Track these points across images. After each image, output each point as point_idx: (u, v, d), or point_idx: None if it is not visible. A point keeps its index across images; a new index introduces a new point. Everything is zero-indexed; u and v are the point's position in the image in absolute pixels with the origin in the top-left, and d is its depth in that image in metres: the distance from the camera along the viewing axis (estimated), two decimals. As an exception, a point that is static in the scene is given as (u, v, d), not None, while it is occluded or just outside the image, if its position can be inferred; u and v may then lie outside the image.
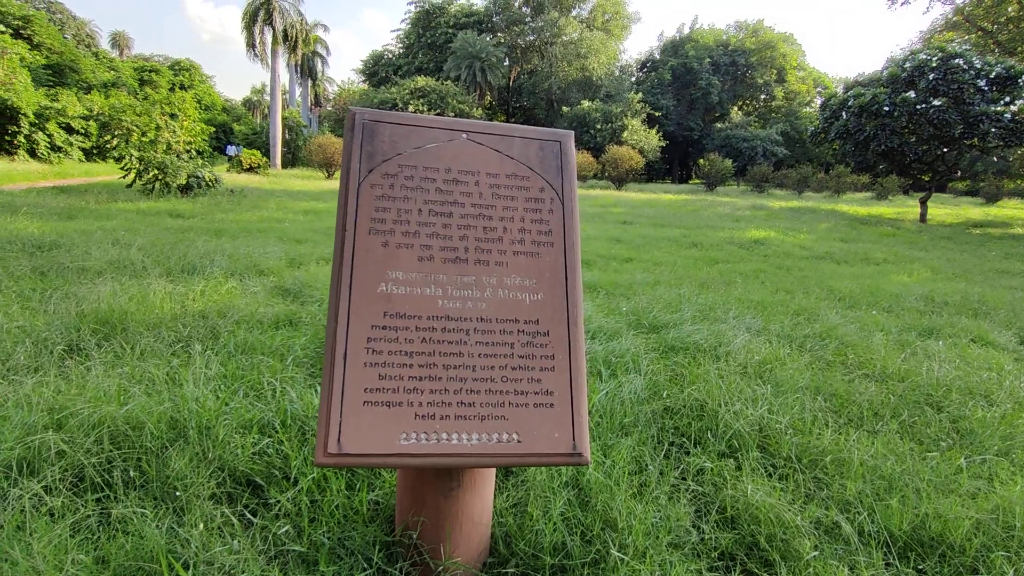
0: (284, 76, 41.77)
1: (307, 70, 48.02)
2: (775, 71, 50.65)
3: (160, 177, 14.26)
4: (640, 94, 39.61)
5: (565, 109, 39.00)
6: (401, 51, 50.45)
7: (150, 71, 45.46)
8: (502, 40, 45.02)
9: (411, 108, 35.92)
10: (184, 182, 14.50)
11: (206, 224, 9.43)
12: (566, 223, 1.76)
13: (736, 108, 50.61)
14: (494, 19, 45.74)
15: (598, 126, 36.11)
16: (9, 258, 5.63)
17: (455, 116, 37.04)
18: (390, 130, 1.72)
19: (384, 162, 1.69)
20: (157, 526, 1.77)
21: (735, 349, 3.60)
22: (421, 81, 37.76)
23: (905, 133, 18.49)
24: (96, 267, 5.22)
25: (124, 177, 14.74)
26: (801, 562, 1.85)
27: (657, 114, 41.45)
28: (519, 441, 1.56)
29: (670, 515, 2.03)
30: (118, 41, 66.53)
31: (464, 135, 1.77)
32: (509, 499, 2.05)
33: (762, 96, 53.13)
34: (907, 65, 18.12)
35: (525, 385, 1.60)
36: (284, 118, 34.12)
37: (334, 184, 22.61)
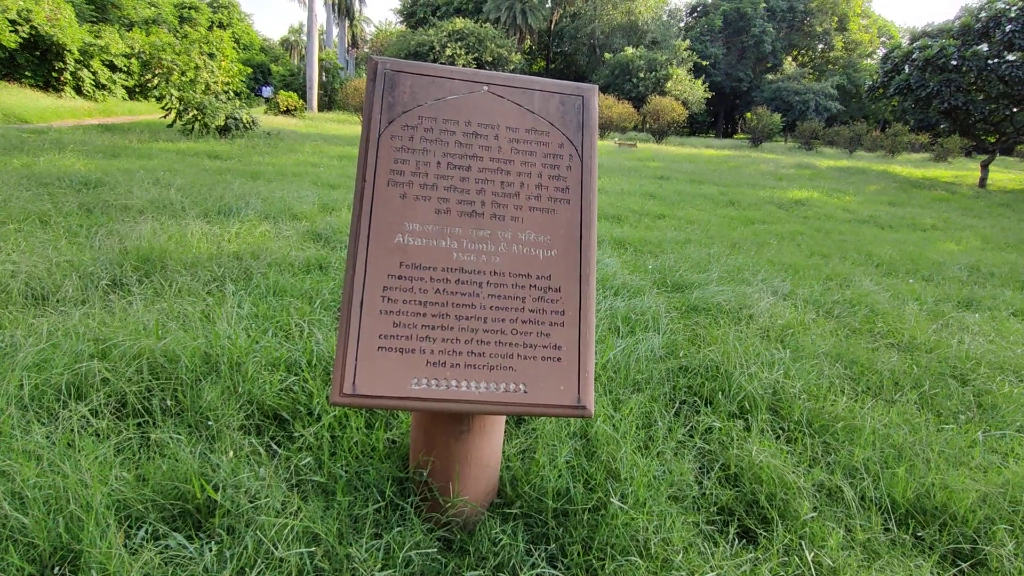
0: (321, 16, 41.16)
1: (344, 9, 47.12)
2: (836, 18, 47.36)
3: (199, 118, 14.45)
4: (688, 41, 37.74)
5: (607, 56, 37.49)
6: (440, -9, 48.90)
7: (189, 8, 45.30)
8: (545, -21, 43.16)
9: (448, 51, 35.10)
10: (222, 123, 14.68)
11: (243, 166, 9.59)
12: (584, 180, 1.76)
13: (790, 58, 47.83)
14: (536, -43, 43.72)
15: (641, 75, 34.72)
16: (58, 194, 5.88)
17: (493, 60, 36.08)
18: (411, 80, 1.72)
19: (404, 113, 1.70)
20: (191, 452, 1.92)
21: (758, 312, 3.56)
22: (459, 23, 36.68)
23: (972, 90, 17.26)
24: (138, 206, 5.42)
25: (165, 117, 14.99)
26: (798, 521, 1.90)
27: (704, 63, 39.49)
28: (525, 392, 1.61)
29: (673, 470, 2.09)
30: (159, -24, 66.21)
31: (485, 87, 1.76)
32: (518, 446, 2.14)
33: (819, 46, 49.95)
34: (982, 15, 16.70)
35: (534, 339, 1.65)
36: (321, 60, 33.81)
37: (369, 129, 22.50)
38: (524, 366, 1.63)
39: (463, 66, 35.12)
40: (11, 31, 18.79)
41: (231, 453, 1.98)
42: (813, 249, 6.30)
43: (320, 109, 32.58)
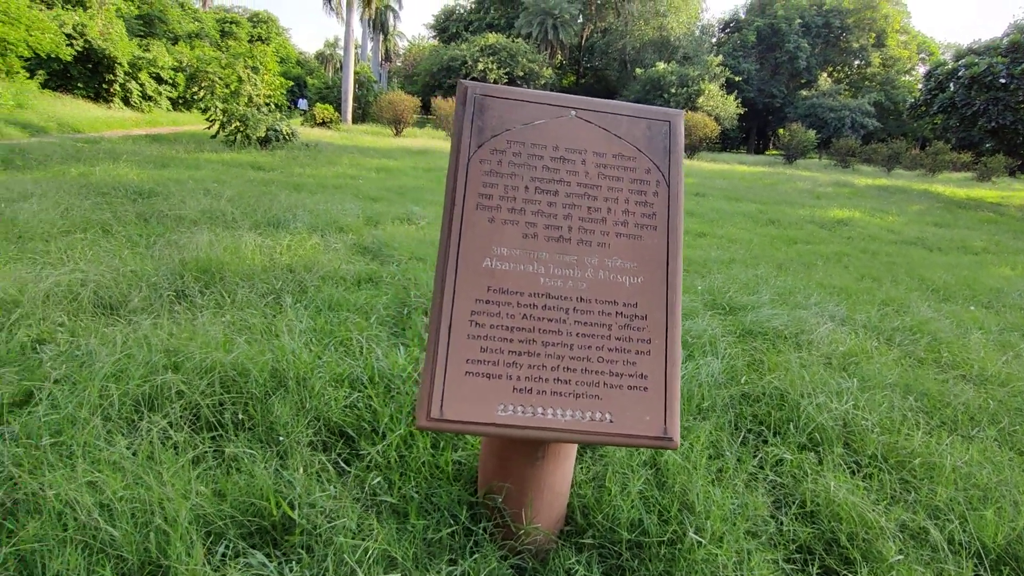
0: (357, 30, 42.07)
1: (379, 24, 48.15)
2: (874, 34, 46.57)
3: (241, 129, 14.86)
4: (720, 57, 37.51)
5: (639, 71, 37.50)
6: (473, 6, 49.62)
7: (231, 23, 46.80)
8: (577, -4, 43.47)
9: (480, 66, 35.54)
10: (263, 135, 15.06)
11: (285, 178, 9.80)
12: (671, 207, 1.73)
13: (825, 75, 47.14)
14: (570, -27, 44.10)
15: (672, 90, 34.61)
16: (116, 203, 6.08)
17: (524, 75, 36.39)
18: (500, 105, 1.72)
19: (493, 137, 1.70)
20: (265, 468, 1.93)
21: (818, 338, 3.47)
22: (491, 38, 37.14)
23: (1022, 109, 16.76)
24: (191, 216, 5.57)
25: (209, 128, 15.45)
26: (884, 564, 1.82)
27: (737, 79, 39.18)
28: (611, 421, 1.59)
29: (747, 503, 2.03)
30: (202, -8, 68.59)
31: (573, 112, 1.75)
32: (587, 472, 2.10)
33: (856, 62, 49.14)
34: (1032, 32, 16.28)
35: (620, 367, 1.62)
36: (355, 73, 34.52)
37: (403, 142, 22.86)
38: (610, 395, 1.60)
39: (494, 80, 35.52)
40: (67, 44, 19.61)
41: (301, 470, 1.99)
42: (862, 271, 6.13)
43: (354, 121, 33.22)
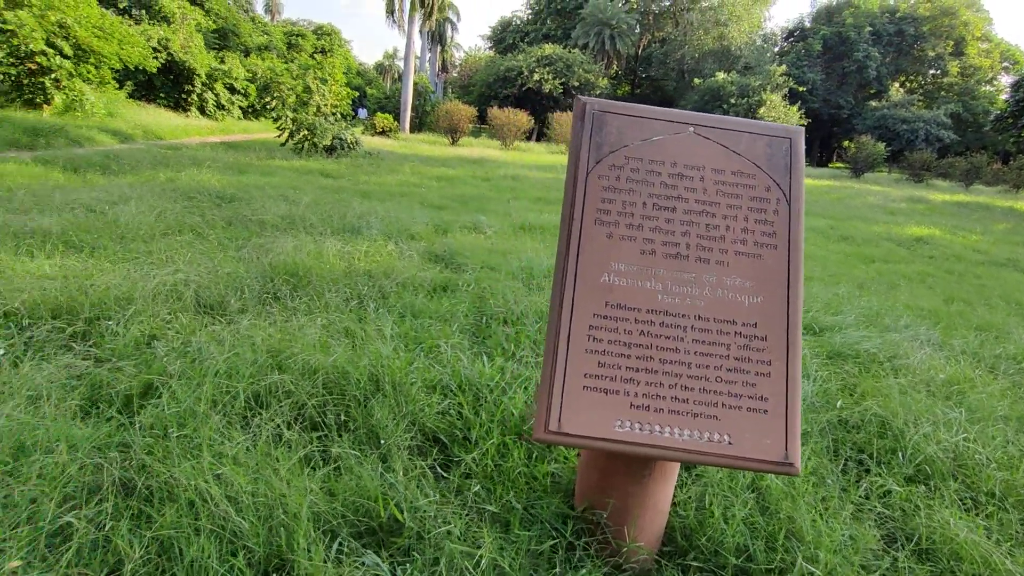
0: (417, 43, 43.14)
1: (437, 36, 49.24)
2: (952, 43, 44.18)
3: (309, 138, 15.47)
4: (783, 66, 36.42)
5: (697, 81, 36.87)
6: (529, 17, 50.09)
7: (297, 35, 48.86)
8: (634, 6, 43.21)
9: (536, 76, 35.78)
10: (329, 143, 15.62)
11: (352, 185, 10.13)
12: (791, 226, 1.70)
13: (896, 85, 45.01)
14: (629, -17, 43.97)
15: (732, 100, 33.84)
16: (202, 207, 6.42)
17: (580, 85, 36.38)
18: (618, 121, 1.73)
19: (611, 153, 1.71)
20: (371, 470, 1.99)
21: (915, 364, 3.30)
22: (548, 49, 37.35)
23: (1121, 122, 15.49)
24: (272, 221, 5.82)
25: (279, 136, 16.15)
26: (1014, 610, 1.71)
27: (801, 89, 37.93)
28: (730, 443, 1.56)
29: (857, 535, 1.95)
30: (270, 6, 71.95)
31: (691, 128, 1.74)
32: (687, 492, 2.06)
33: (931, 71, 46.71)
34: None
35: (739, 388, 1.59)
36: (414, 84, 35.37)
37: (460, 151, 23.23)
38: (729, 416, 1.57)
39: (549, 90, 35.72)
40: (153, 57, 20.94)
41: (402, 474, 2.04)
42: (949, 293, 5.80)
43: (411, 130, 34.02)
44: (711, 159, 1.72)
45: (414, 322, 3.38)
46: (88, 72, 16.84)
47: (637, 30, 42.80)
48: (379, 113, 29.15)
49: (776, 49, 44.64)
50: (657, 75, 45.28)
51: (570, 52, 37.62)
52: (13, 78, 15.08)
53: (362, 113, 42.62)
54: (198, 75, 24.44)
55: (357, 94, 25.46)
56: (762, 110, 32.66)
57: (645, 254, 1.66)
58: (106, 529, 1.66)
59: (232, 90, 26.95)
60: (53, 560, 1.56)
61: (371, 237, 5.45)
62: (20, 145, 11.79)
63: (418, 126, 37.37)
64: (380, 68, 75.79)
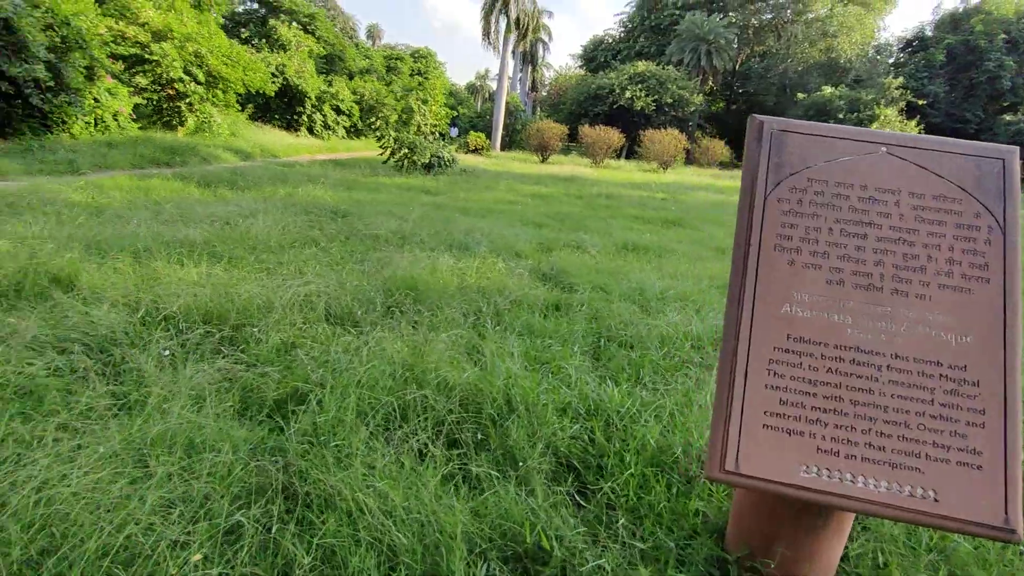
0: (509, 63, 44.17)
1: (529, 56, 50.18)
2: (1101, 48, 39.12)
3: (409, 156, 16.16)
4: (899, 79, 33.82)
5: (800, 95, 34.98)
6: (622, 35, 49.87)
7: (396, 59, 51.54)
8: (733, 20, 41.87)
9: (628, 93, 35.45)
10: (427, 161, 16.23)
11: (452, 202, 10.42)
12: (1007, 257, 1.50)
13: (1033, 96, 40.39)
14: (728, -3, 42.72)
15: (840, 116, 31.78)
16: (320, 221, 6.82)
17: (673, 102, 35.65)
18: (800, 141, 1.62)
19: (792, 175, 1.60)
20: (515, 493, 1.96)
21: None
22: (641, 66, 36.95)
23: None
24: (385, 236, 6.07)
25: (381, 154, 16.99)
26: None
27: (920, 103, 34.99)
28: (936, 500, 1.38)
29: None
30: (372, 32, 76.49)
31: (883, 148, 1.60)
32: (858, 546, 1.87)
33: (1077, 81, 41.55)
34: None
35: (946, 438, 1.41)
36: (505, 103, 36.15)
37: (550, 169, 23.38)
38: (934, 469, 1.40)
39: (641, 108, 35.24)
40: (271, 82, 22.79)
41: (541, 499, 2.00)
42: None
43: (502, 148, 34.73)
44: (908, 182, 1.57)
45: (533, 341, 3.36)
46: (217, 97, 18.57)
47: (735, 45, 41.40)
48: (472, 132, 29.99)
49: (891, 61, 41.55)
50: (756, 90, 43.49)
51: (663, 69, 37.01)
52: (155, 103, 16.91)
53: (453, 132, 44.14)
54: (309, 98, 26.31)
55: (456, 113, 26.43)
56: (874, 125, 30.42)
57: (832, 284, 1.52)
58: (273, 532, 1.73)
59: (338, 111, 28.75)
60: (229, 556, 1.64)
61: (479, 254, 5.53)
62: (160, 162, 13.15)
63: (508, 144, 38.10)
64: (471, 88, 78.22)
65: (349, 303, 3.72)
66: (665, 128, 29.02)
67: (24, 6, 10.15)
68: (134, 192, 8.05)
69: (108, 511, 1.67)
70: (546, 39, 50.22)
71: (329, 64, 40.04)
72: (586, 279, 4.96)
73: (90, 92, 13.56)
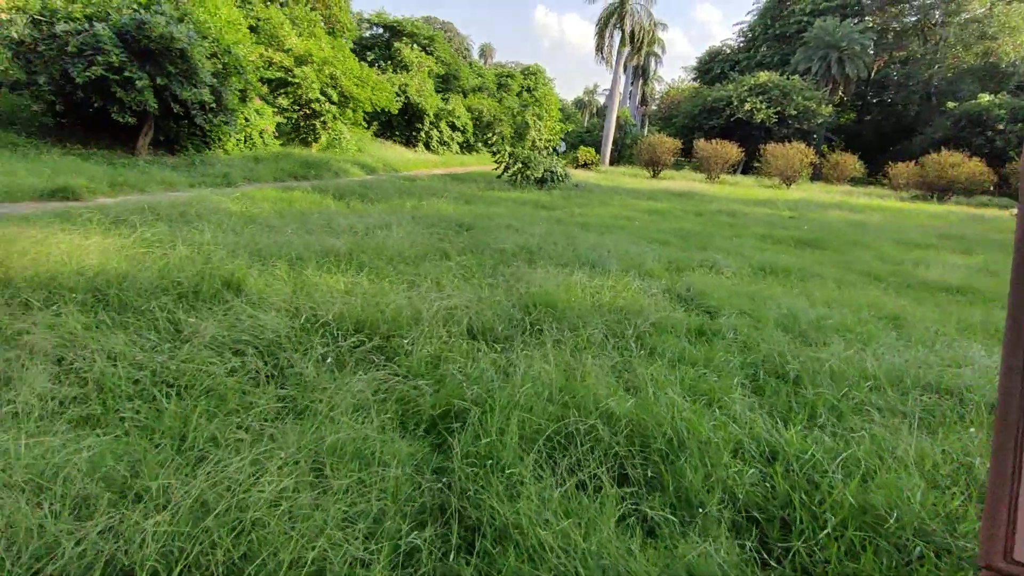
0: (621, 77, 43.76)
1: (640, 70, 49.47)
2: None
3: (523, 170, 16.36)
4: (1077, 84, 29.36)
5: (951, 104, 31.38)
6: (741, 45, 47.75)
7: (506, 76, 52.92)
8: (870, 24, 38.59)
9: (747, 106, 33.75)
10: (540, 175, 16.34)
11: (569, 216, 10.34)
12: None
13: None
14: (864, 1, 39.45)
15: (1000, 126, 28.09)
16: (445, 234, 6.99)
17: (797, 113, 33.45)
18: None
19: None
20: (697, 541, 1.77)
21: None
22: (763, 77, 35.06)
23: None
24: (511, 250, 6.08)
25: (495, 169, 17.36)
26: None
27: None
28: None
29: None
30: (484, 52, 79.10)
31: None
32: None
33: None
34: None
35: None
36: (616, 117, 35.78)
37: (662, 184, 22.72)
38: None
39: (761, 120, 33.37)
40: (395, 100, 24.18)
41: (724, 554, 1.79)
42: None
43: (610, 163, 34.35)
44: None
45: (685, 369, 3.13)
46: (347, 115, 19.98)
47: (871, 51, 38.11)
48: (581, 147, 29.94)
49: (1065, 62, 36.18)
50: (893, 100, 39.72)
51: (788, 79, 34.87)
52: (294, 121, 18.47)
53: (561, 147, 44.37)
54: (427, 115, 27.59)
55: (571, 128, 26.56)
56: (1043, 137, 26.56)
57: None
58: (451, 560, 1.67)
59: (453, 127, 29.90)
60: (410, 583, 1.60)
61: (607, 271, 5.37)
62: (297, 175, 14.29)
63: (616, 159, 37.63)
64: (579, 103, 78.43)
65: (490, 318, 3.70)
66: (789, 141, 27.21)
67: (196, 37, 11.48)
68: (279, 203, 8.75)
69: (298, 522, 1.69)
70: (659, 52, 49.25)
71: (445, 83, 41.86)
72: (727, 303, 4.63)
73: (242, 112, 15.07)
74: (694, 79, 53.65)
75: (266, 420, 2.42)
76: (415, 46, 33.58)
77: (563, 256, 5.91)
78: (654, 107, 60.08)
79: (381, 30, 38.20)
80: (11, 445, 1.89)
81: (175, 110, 11.62)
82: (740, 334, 3.85)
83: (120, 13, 10.55)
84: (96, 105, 10.67)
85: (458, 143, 30.69)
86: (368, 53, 32.43)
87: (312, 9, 24.74)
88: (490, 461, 2.06)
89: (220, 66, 12.96)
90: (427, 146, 28.70)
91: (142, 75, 10.55)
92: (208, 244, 4.73)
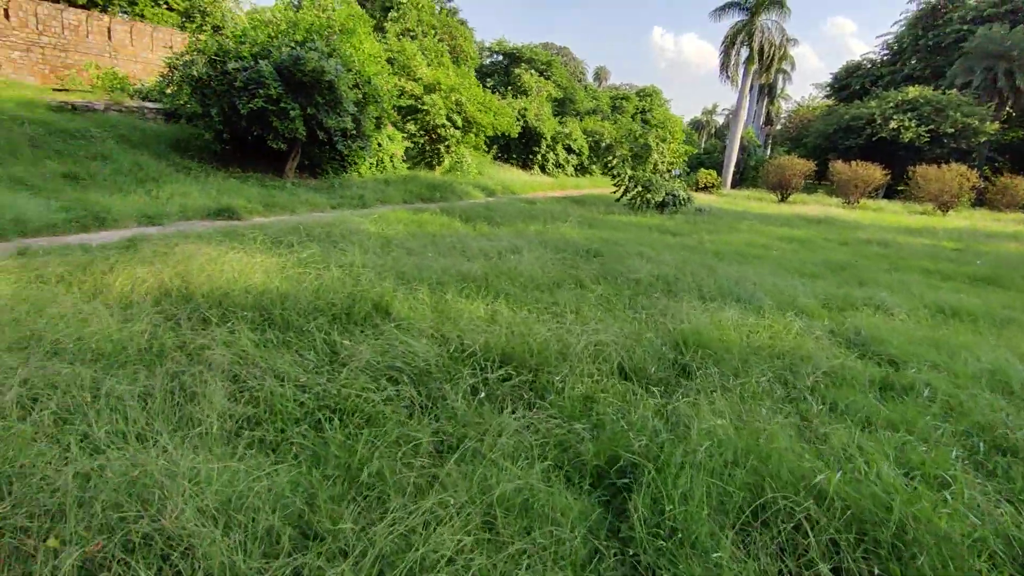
0: (746, 96, 41.76)
1: (767, 89, 46.87)
2: None
3: (643, 194, 15.91)
4: None
5: None
6: (885, 58, 43.60)
7: (621, 98, 52.33)
8: (1047, 31, 33.66)
9: (892, 124, 30.64)
10: (661, 199, 15.79)
11: (697, 243, 9.80)
12: None
13: None
14: (1040, 5, 34.59)
15: None
16: (573, 260, 6.82)
17: (955, 132, 29.85)
18: None
19: None
20: None
21: None
22: (912, 92, 31.72)
23: None
24: (646, 280, 5.77)
25: (614, 192, 17.05)
26: None
27: None
28: None
29: None
30: (599, 74, 79.13)
31: None
32: None
33: None
34: None
35: None
36: (740, 138, 34.01)
37: (793, 209, 21.13)
38: None
39: (910, 139, 30.11)
40: (515, 124, 24.73)
41: None
42: None
43: (732, 186, 32.65)
44: None
45: (880, 433, 2.68)
46: (469, 139, 20.69)
47: (1050, 59, 33.13)
48: (702, 169, 28.75)
49: None
50: (1080, 114, 34.18)
51: (943, 94, 31.31)
52: (420, 146, 19.41)
53: (676, 170, 42.96)
54: (544, 138, 27.94)
55: (695, 151, 25.60)
56: None
57: None
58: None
59: (569, 150, 30.03)
60: None
61: (759, 307, 4.90)
62: (423, 197, 14.91)
63: (737, 181, 35.71)
64: (696, 124, 75.96)
65: (641, 356, 3.45)
66: (944, 163, 24.24)
67: (342, 70, 12.42)
68: (411, 224, 9.10)
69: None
70: (788, 69, 46.44)
71: (560, 106, 42.32)
72: (909, 352, 4.01)
73: (376, 138, 16.07)
74: (827, 96, 49.89)
75: (424, 455, 2.35)
76: (533, 72, 34.29)
77: (704, 288, 5.50)
78: (779, 127, 56.64)
79: (500, 57, 39.52)
80: (203, 467, 1.94)
81: (320, 137, 12.60)
82: (938, 392, 3.28)
83: (280, 51, 11.67)
84: (255, 133, 11.85)
85: (573, 165, 30.73)
86: (488, 79, 33.60)
87: (439, 40, 26.10)
88: (679, 534, 1.81)
89: (361, 95, 13.92)
90: (543, 168, 29.00)
91: (295, 105, 11.56)
92: (357, 266, 4.91)
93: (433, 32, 27.38)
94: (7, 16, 13.01)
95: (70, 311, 3.46)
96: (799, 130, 46.14)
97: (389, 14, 27.07)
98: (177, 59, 12.57)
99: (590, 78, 73.91)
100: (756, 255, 8.88)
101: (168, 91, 13.30)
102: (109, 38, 15.23)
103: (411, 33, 26.28)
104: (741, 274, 6.36)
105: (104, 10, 17.33)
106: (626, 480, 2.21)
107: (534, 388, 3.09)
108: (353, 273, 4.68)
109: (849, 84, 44.37)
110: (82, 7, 15.98)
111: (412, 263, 5.52)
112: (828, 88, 49.26)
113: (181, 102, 12.62)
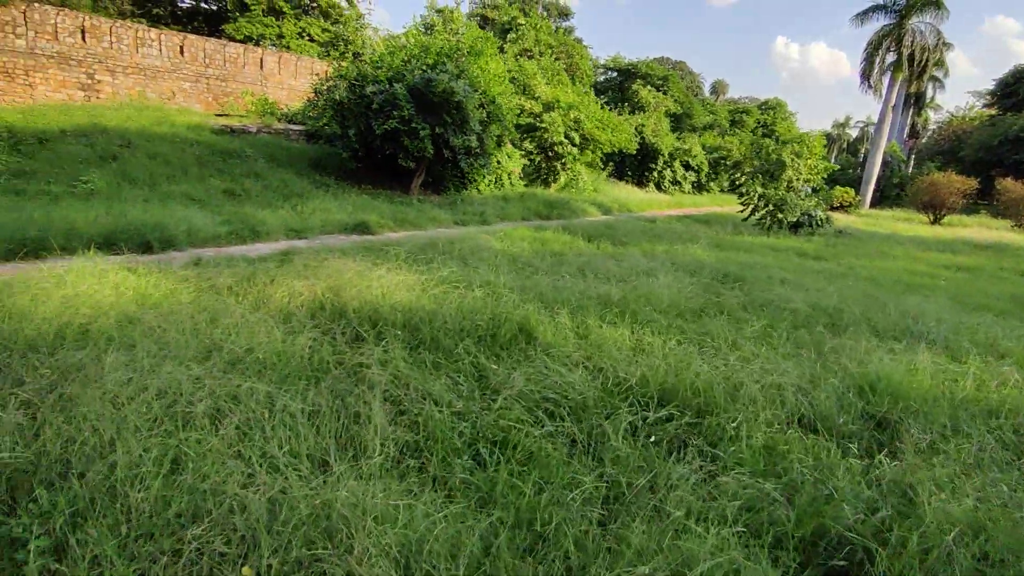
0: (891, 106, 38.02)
1: (915, 98, 42.39)
2: None
3: (775, 213, 14.79)
4: None
5: None
6: (1064, 61, 37.92)
7: (740, 112, 49.62)
8: None
9: (1077, 135, 26.37)
10: (795, 219, 14.59)
11: (846, 269, 8.85)
12: None
13: None
14: None
15: None
16: (715, 286, 6.33)
17: None
18: None
19: None
20: None
21: None
22: (1103, 98, 27.17)
23: None
24: (803, 311, 5.20)
25: (741, 211, 16.04)
26: None
27: None
28: None
29: None
30: (717, 88, 75.93)
31: None
32: None
33: None
34: None
35: None
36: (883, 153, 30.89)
37: (951, 232, 18.70)
38: None
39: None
40: (632, 141, 24.24)
41: None
42: None
43: (871, 205, 29.68)
44: None
45: None
46: (586, 156, 20.52)
47: None
48: (837, 187, 26.40)
49: None
50: None
51: None
52: (536, 163, 19.53)
53: (808, 188, 39.83)
54: (661, 154, 27.12)
55: (837, 168, 23.63)
56: None
57: None
58: None
59: (687, 167, 28.90)
60: None
61: (951, 349, 4.20)
62: (540, 214, 14.91)
63: (877, 200, 32.40)
64: (828, 139, 70.44)
65: (823, 404, 3.01)
66: None
67: (470, 90, 12.79)
68: (535, 243, 9.03)
69: None
70: (940, 76, 41.66)
71: (677, 121, 41.03)
72: None
73: (496, 156, 16.38)
74: (987, 105, 44.16)
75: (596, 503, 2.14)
76: (650, 87, 33.54)
77: (876, 324, 4.84)
78: (925, 140, 51.01)
79: (615, 73, 39.11)
80: (381, 501, 1.87)
81: (445, 155, 13.03)
82: None
83: (412, 74, 12.24)
84: (387, 152, 12.48)
85: (691, 183, 29.52)
86: (602, 96, 33.32)
87: (556, 59, 26.28)
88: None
89: (485, 115, 14.26)
90: (658, 186, 28.12)
91: (425, 125, 12.04)
92: (498, 286, 4.85)
93: (550, 51, 27.66)
94: (182, 52, 14.84)
95: (239, 321, 3.66)
96: (952, 143, 41.13)
97: (508, 35, 27.76)
98: (322, 84, 13.62)
99: (707, 92, 71.22)
100: (921, 284, 7.82)
101: (312, 114, 14.47)
102: (261, 68, 16.87)
103: (528, 53, 26.75)
104: (919, 308, 5.55)
105: (257, 44, 19.35)
106: (843, 562, 1.85)
107: (701, 432, 2.78)
108: (495, 294, 4.61)
109: (1017, 91, 38.92)
110: (240, 42, 17.93)
111: (547, 284, 5.38)
112: (990, 96, 43.61)
113: (322, 123, 13.66)
